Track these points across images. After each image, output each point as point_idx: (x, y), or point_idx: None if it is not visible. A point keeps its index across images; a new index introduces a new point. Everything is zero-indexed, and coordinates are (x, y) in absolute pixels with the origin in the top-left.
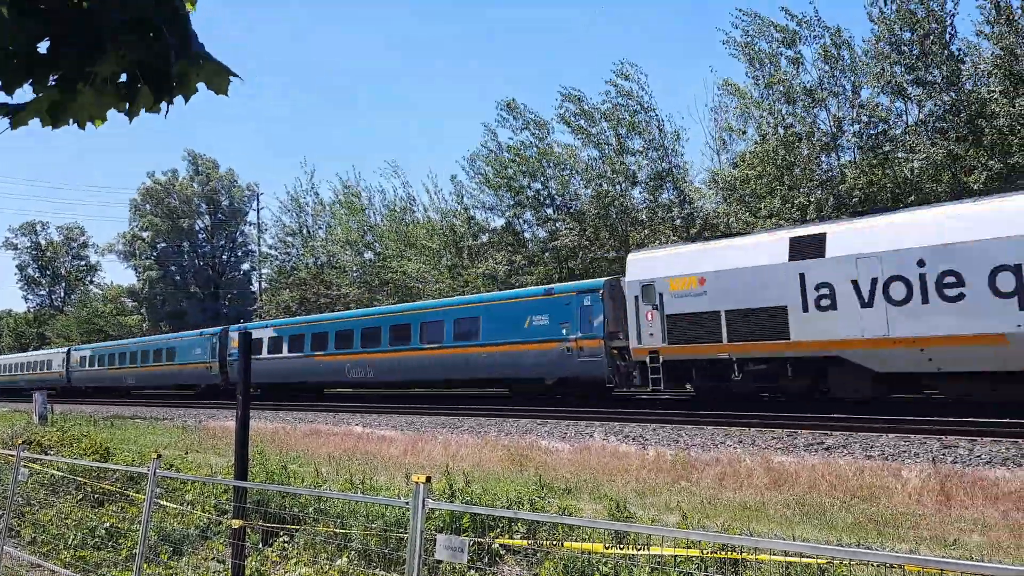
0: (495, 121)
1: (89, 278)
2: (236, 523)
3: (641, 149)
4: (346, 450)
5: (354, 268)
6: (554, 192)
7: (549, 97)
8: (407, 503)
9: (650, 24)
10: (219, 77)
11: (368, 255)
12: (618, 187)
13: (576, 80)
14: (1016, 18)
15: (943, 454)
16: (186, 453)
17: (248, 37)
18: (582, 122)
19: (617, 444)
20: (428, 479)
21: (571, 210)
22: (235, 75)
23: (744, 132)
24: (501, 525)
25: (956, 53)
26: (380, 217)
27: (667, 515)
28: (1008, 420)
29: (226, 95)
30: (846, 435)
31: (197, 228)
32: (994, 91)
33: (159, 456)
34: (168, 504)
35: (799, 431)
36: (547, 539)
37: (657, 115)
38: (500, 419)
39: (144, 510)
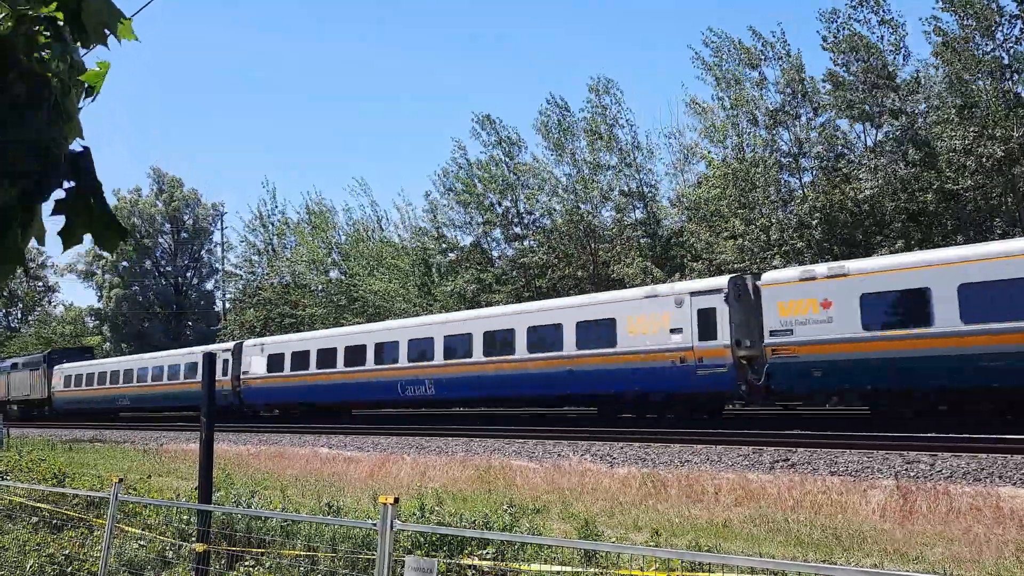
0: (470, 133)
1: (48, 299)
2: (200, 547)
3: (616, 164)
4: (312, 472)
5: (319, 287)
6: (523, 210)
7: (518, 107)
8: (375, 525)
9: (616, 43)
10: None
11: (334, 274)
12: (590, 204)
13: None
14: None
15: (905, 469)
16: (148, 477)
17: (210, 50)
18: (559, 135)
19: (588, 463)
20: (396, 500)
21: (541, 227)
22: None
23: (708, 152)
24: (471, 546)
25: (906, 79)
26: (345, 236)
27: (635, 534)
28: (967, 435)
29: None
30: (811, 452)
31: (161, 247)
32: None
33: (121, 480)
34: (130, 529)
35: (765, 448)
36: (517, 559)
37: (633, 129)
38: (467, 439)
39: (105, 536)
